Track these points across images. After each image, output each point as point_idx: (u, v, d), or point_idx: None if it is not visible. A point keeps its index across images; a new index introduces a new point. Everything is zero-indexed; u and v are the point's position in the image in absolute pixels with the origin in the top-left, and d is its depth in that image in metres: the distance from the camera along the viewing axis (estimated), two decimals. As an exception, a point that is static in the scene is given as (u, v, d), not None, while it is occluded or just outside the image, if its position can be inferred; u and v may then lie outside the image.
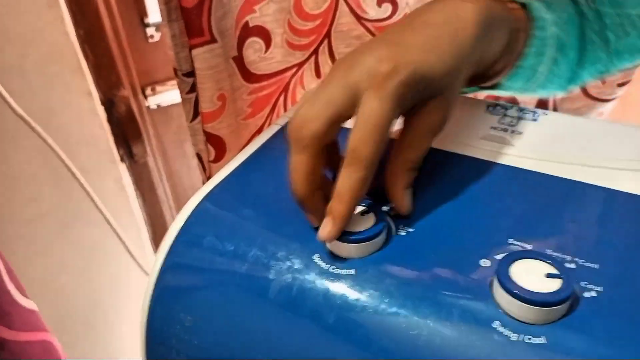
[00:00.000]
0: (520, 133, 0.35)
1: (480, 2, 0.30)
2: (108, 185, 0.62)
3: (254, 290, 0.27)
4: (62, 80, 0.54)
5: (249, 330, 0.27)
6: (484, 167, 0.33)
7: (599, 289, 0.24)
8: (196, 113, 0.43)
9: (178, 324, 0.29)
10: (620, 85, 0.67)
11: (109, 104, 0.59)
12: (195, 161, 0.48)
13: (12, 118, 0.50)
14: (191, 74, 0.40)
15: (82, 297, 0.60)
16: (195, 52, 0.39)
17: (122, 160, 0.64)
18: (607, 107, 0.69)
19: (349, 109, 0.26)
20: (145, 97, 0.68)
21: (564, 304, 0.22)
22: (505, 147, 0.34)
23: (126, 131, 0.62)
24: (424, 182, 0.32)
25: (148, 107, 0.68)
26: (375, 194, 0.28)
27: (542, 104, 0.72)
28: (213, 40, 0.39)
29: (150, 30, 0.65)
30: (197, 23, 0.37)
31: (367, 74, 0.26)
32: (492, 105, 0.38)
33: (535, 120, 0.37)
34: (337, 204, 0.25)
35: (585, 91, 0.70)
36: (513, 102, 0.77)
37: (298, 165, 0.27)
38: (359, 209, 0.28)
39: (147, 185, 0.67)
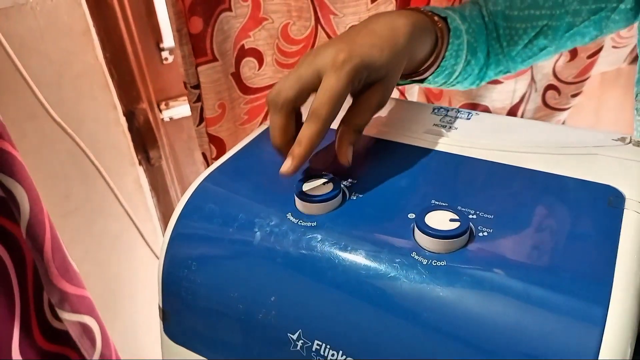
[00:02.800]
0: (456, 128, 0.45)
1: (411, 17, 0.41)
2: (128, 185, 0.72)
3: (243, 241, 0.36)
4: (92, 95, 0.65)
5: (238, 269, 0.37)
6: (422, 152, 0.42)
7: (490, 230, 0.33)
8: (201, 119, 0.53)
9: (186, 268, 0.38)
10: (574, 96, 0.77)
11: (130, 115, 0.70)
12: (202, 167, 0.58)
13: (51, 125, 0.60)
14: (197, 86, 0.50)
15: (103, 284, 0.69)
16: (200, 68, 0.49)
17: (140, 163, 0.73)
18: (563, 115, 0.78)
19: (314, 84, 0.36)
20: (160, 110, 0.78)
21: (459, 237, 0.32)
22: (441, 138, 0.43)
23: (144, 139, 0.72)
24: (375, 163, 0.42)
25: (162, 120, 0.79)
26: (334, 172, 0.38)
27: (512, 113, 0.81)
28: (215, 59, 0.49)
29: (164, 54, 0.76)
30: (202, 46, 0.47)
31: (329, 59, 0.36)
32: (437, 108, 0.48)
33: (468, 119, 0.46)
34: (297, 147, 0.36)
35: (545, 102, 0.80)
36: (486, 110, 0.88)
37: (276, 123, 0.37)
38: (322, 180, 0.37)
39: (161, 186, 0.76)
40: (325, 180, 0.37)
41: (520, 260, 0.31)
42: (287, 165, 0.36)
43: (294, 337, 0.33)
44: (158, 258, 0.53)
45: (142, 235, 0.73)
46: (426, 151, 0.42)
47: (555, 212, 0.34)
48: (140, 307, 0.82)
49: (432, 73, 0.46)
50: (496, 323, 0.28)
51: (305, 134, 0.36)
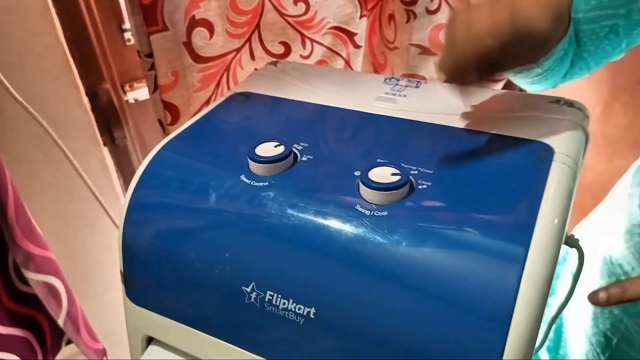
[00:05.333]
0: (405, 95, 0.47)
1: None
2: (93, 165, 0.72)
3: (199, 203, 0.38)
4: (54, 75, 0.65)
5: (194, 230, 0.38)
6: (372, 118, 0.44)
7: (429, 184, 0.35)
8: (156, 86, 0.54)
9: (145, 232, 0.40)
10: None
11: (92, 95, 0.70)
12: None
13: (13, 105, 0.60)
14: (150, 55, 0.51)
15: (72, 266, 0.69)
16: (152, 37, 0.50)
17: (105, 144, 0.74)
18: (498, 86, 0.79)
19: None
20: (125, 92, 0.78)
21: (399, 189, 0.34)
22: (391, 104, 0.45)
23: (108, 119, 0.73)
24: (327, 128, 0.43)
25: (127, 101, 0.79)
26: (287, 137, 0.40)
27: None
28: (166, 28, 0.51)
29: (127, 35, 0.76)
30: (153, 15, 0.48)
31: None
32: (389, 78, 0.50)
33: (417, 87, 0.48)
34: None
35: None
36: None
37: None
38: (274, 143, 0.39)
39: (127, 166, 0.77)
40: (277, 143, 0.39)
41: (455, 209, 0.34)
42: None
43: (248, 289, 0.35)
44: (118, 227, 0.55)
45: (109, 216, 0.73)
46: (375, 117, 0.44)
47: (490, 166, 0.37)
48: (110, 286, 0.82)
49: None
50: (430, 264, 0.31)
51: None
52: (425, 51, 0.76)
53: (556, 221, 0.32)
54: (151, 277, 0.40)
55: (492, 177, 0.36)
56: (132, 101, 0.81)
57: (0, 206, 0.52)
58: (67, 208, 0.73)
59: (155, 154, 0.42)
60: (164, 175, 0.41)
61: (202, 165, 0.40)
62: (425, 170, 0.36)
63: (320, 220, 0.34)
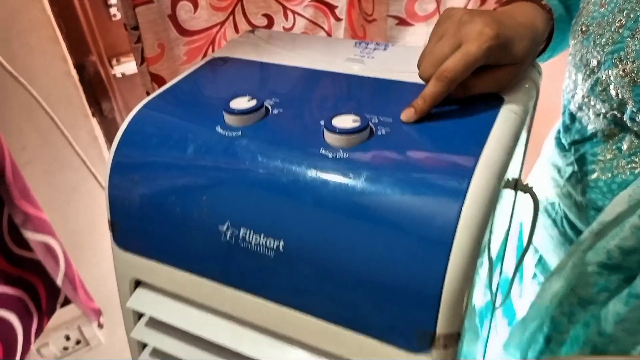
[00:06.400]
0: (373, 57, 0.50)
1: (540, 10, 0.46)
2: (83, 137, 0.75)
3: (179, 150, 0.41)
4: (41, 48, 0.67)
5: (174, 177, 0.41)
6: (340, 77, 0.47)
7: (388, 130, 0.39)
8: (143, 59, 0.57)
9: (129, 181, 0.43)
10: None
11: (80, 67, 0.72)
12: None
13: (3, 76, 0.63)
14: (137, 28, 0.54)
15: (64, 236, 0.72)
16: (138, 10, 0.53)
17: (93, 115, 0.77)
18: None
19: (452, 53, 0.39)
20: (112, 66, 0.81)
21: (358, 133, 0.37)
22: (359, 65, 0.49)
23: (96, 91, 0.75)
24: (298, 86, 0.47)
25: (114, 75, 0.82)
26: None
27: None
28: (150, 1, 0.53)
29: (113, 10, 0.78)
30: (138, -12, 0.51)
31: (476, 30, 0.38)
32: (359, 42, 0.53)
33: (385, 50, 0.52)
34: (421, 102, 0.39)
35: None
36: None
37: (436, 92, 0.39)
38: (247, 98, 0.42)
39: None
40: (250, 98, 0.42)
41: (408, 151, 0.37)
42: (408, 115, 0.39)
43: (224, 228, 0.38)
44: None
45: (101, 186, 0.76)
46: (343, 76, 0.48)
47: (444, 116, 0.40)
48: (102, 256, 0.85)
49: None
50: (383, 198, 0.34)
51: (430, 91, 0.39)
52: (402, 22, 0.79)
53: (497, 158, 0.35)
54: (136, 223, 0.43)
55: (445, 125, 0.39)
56: (120, 75, 0.83)
57: None
58: (57, 178, 0.76)
59: (137, 111, 0.45)
60: (145, 129, 0.44)
61: (180, 119, 0.43)
62: (385, 119, 0.40)
63: (287, 163, 0.37)
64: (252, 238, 0.38)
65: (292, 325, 0.39)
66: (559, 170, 0.56)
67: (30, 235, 0.61)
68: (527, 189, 0.48)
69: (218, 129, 0.41)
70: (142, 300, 0.46)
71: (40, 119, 0.70)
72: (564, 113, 0.54)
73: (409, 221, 0.33)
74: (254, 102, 0.41)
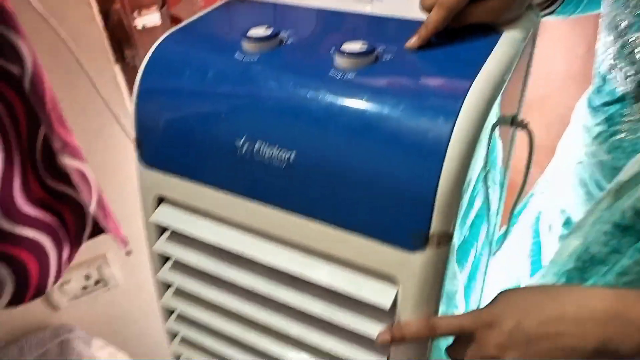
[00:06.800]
0: (381, 0, 0.53)
1: None
2: (106, 82, 0.79)
3: (200, 73, 0.45)
4: (69, -8, 0.71)
5: (196, 97, 0.45)
6: (350, 15, 0.51)
7: (392, 56, 0.42)
8: (164, 3, 0.61)
9: (155, 101, 0.47)
10: None
11: (104, 14, 0.76)
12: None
13: (32, 16, 0.66)
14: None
15: None
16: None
17: (116, 62, 0.81)
18: None
19: None
20: (134, 18, 0.84)
21: (364, 56, 0.40)
22: (368, 5, 0.52)
23: (119, 38, 0.79)
24: (313, 22, 0.50)
25: (136, 27, 0.85)
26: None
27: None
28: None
29: (136, -40, 0.82)
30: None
31: None
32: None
33: (394, -8, 0.54)
34: (424, 29, 0.43)
35: None
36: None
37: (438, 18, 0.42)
38: (264, 27, 0.46)
39: (137, 85, 0.84)
40: (267, 27, 0.46)
41: (411, 71, 0.41)
42: (412, 42, 0.43)
43: (241, 142, 0.42)
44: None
45: (124, 130, 0.80)
46: (354, 14, 0.51)
47: (446, 45, 0.43)
48: (124, 199, 0.90)
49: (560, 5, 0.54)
50: (384, 112, 0.38)
51: (432, 19, 0.42)
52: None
53: (492, 78, 0.38)
54: (159, 141, 0.47)
55: (445, 52, 0.43)
56: (140, 27, 0.87)
57: (38, 94, 0.60)
58: (81, 121, 0.80)
59: (162, 40, 0.49)
60: (169, 55, 0.47)
61: (202, 47, 0.47)
62: (391, 47, 0.43)
63: (299, 83, 0.41)
64: (266, 150, 0.41)
65: (300, 231, 0.43)
66: (587, 130, 0.58)
67: (68, 161, 0.65)
68: (523, 125, 0.51)
69: (236, 55, 0.45)
70: (165, 215, 0.51)
71: (67, 62, 0.73)
72: (595, 76, 0.56)
73: (409, 129, 0.37)
74: (270, 31, 0.45)
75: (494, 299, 0.41)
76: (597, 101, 0.55)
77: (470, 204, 0.48)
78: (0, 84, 0.62)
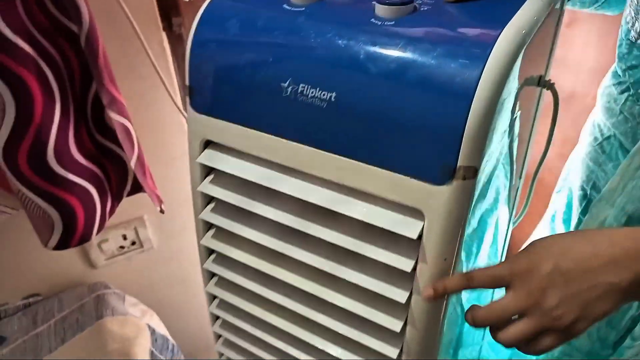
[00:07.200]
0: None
1: None
2: (153, 47, 0.84)
3: (250, 23, 0.49)
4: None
5: (246, 44, 0.49)
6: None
7: (430, 7, 0.45)
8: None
9: (208, 50, 0.51)
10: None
11: (155, -17, 0.81)
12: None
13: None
14: None
15: None
16: None
17: (164, 29, 0.86)
18: None
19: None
20: (180, -11, 0.90)
21: (403, 5, 0.44)
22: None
23: (167, 6, 0.84)
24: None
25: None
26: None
27: None
28: None
29: None
30: None
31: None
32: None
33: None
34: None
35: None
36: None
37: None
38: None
39: (181, 54, 0.89)
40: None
41: (446, 21, 0.44)
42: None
43: (286, 84, 0.46)
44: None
45: (170, 95, 0.85)
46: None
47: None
48: (164, 165, 0.95)
49: None
50: (420, 56, 0.41)
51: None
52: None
53: (518, 31, 0.41)
54: (210, 87, 0.52)
55: (479, 6, 0.46)
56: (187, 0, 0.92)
57: (93, 50, 0.65)
58: (127, 85, 0.85)
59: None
60: (220, 8, 0.52)
61: (251, 4, 0.51)
62: (429, 0, 0.47)
63: (342, 29, 0.45)
64: (309, 92, 0.45)
65: (336, 169, 0.47)
66: (614, 100, 0.60)
67: (114, 116, 0.70)
68: (549, 85, 0.54)
69: (285, 5, 0.49)
70: (209, 157, 0.55)
71: (118, 25, 0.78)
72: (620, 46, 0.58)
73: (442, 70, 0.40)
74: (317, -16, 0.49)
75: (525, 248, 0.43)
76: (621, 67, 0.57)
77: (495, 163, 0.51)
78: (61, 40, 0.68)
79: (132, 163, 0.75)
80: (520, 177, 0.66)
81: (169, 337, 0.99)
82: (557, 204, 0.77)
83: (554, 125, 0.56)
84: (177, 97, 0.91)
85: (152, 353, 0.90)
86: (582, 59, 1.25)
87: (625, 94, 0.57)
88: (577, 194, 0.70)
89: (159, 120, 0.94)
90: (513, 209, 0.71)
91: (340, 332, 0.54)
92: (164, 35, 0.86)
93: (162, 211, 0.82)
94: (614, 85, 0.60)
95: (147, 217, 1.04)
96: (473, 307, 0.43)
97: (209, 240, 0.60)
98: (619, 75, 0.58)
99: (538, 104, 0.59)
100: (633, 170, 0.52)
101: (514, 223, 0.74)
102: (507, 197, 0.62)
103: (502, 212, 0.65)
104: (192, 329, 1.24)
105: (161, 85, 0.85)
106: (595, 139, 0.65)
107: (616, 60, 0.60)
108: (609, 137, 0.62)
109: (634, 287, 0.38)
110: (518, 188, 0.67)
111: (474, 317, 0.43)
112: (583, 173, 0.68)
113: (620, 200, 0.53)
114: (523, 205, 0.72)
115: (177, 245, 1.12)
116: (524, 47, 0.42)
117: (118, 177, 0.80)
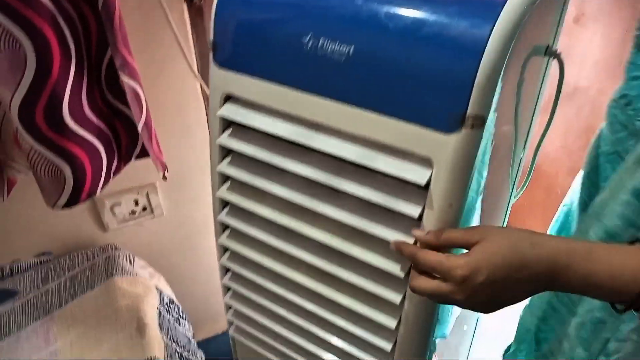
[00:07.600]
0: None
1: None
2: (174, 17, 0.87)
3: None
4: None
5: (269, 5, 0.52)
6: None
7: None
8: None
9: (232, 6, 0.54)
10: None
11: (179, -45, 0.84)
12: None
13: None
14: None
15: (151, 103, 0.84)
16: None
17: (185, 0, 0.89)
18: None
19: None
20: (201, -37, 0.92)
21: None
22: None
23: (189, -22, 0.87)
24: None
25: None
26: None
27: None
28: None
29: None
30: None
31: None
32: None
33: None
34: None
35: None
36: None
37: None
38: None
39: (200, 27, 0.92)
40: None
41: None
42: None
43: (307, 39, 0.49)
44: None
45: (188, 63, 0.88)
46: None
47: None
48: (179, 135, 0.98)
49: None
50: (437, 9, 0.44)
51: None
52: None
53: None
54: (233, 42, 0.55)
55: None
56: (206, -26, 0.95)
57: (110, 16, 0.68)
58: (146, 51, 0.88)
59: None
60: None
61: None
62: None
63: None
64: (329, 45, 0.48)
65: (352, 120, 0.50)
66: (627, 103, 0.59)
67: (125, 79, 0.73)
68: (556, 55, 0.57)
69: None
70: (230, 110, 0.58)
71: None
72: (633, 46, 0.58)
73: (457, 22, 0.43)
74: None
75: (480, 245, 0.44)
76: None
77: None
78: (81, 2, 0.70)
79: (140, 125, 0.78)
80: (523, 148, 0.69)
81: (175, 300, 1.02)
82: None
83: (559, 94, 0.59)
84: (194, 66, 0.94)
85: (159, 312, 0.93)
86: (587, 53, 1.28)
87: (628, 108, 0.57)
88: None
89: (176, 88, 0.97)
90: (515, 181, 0.74)
91: (343, 303, 0.57)
92: (184, 6, 0.89)
93: (164, 177, 0.85)
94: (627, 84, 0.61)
95: (159, 184, 1.07)
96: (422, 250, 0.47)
97: (224, 193, 0.63)
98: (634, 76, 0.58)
99: (544, 77, 0.62)
100: (619, 186, 0.52)
101: (515, 196, 0.76)
102: (511, 162, 0.65)
103: (504, 182, 0.68)
104: (198, 297, 1.27)
105: (179, 54, 0.88)
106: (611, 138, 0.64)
107: (630, 58, 0.60)
108: (621, 139, 0.62)
109: (549, 288, 0.43)
110: (521, 160, 0.70)
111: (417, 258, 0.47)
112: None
113: (604, 214, 0.54)
114: (524, 180, 0.75)
115: (187, 213, 1.15)
116: (534, 5, 0.45)
117: (128, 138, 0.83)
